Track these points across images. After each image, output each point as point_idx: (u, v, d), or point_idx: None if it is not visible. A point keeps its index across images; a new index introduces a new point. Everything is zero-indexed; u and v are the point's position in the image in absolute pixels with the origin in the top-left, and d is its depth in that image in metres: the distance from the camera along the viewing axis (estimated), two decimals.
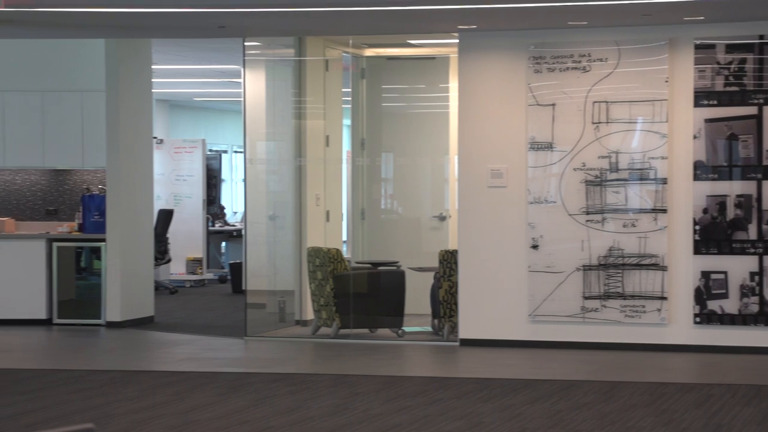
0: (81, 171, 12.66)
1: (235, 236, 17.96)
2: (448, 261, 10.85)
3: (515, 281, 10.49)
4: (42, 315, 12.05)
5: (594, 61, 10.29)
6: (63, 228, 12.39)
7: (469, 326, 10.61)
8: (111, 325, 11.96)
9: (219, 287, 16.86)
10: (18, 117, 12.34)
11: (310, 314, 11.74)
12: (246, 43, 11.36)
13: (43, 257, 12.08)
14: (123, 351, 10.75)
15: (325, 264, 11.14)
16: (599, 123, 10.31)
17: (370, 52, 12.64)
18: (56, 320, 12.06)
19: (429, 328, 11.31)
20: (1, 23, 10.22)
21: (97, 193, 12.34)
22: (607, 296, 10.30)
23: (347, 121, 12.91)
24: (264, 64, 11.94)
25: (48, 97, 12.31)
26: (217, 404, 7.85)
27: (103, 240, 12.02)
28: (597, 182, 10.32)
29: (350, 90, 12.57)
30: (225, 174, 20.61)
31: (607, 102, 10.28)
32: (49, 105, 12.31)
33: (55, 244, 12.14)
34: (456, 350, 10.46)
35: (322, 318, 11.25)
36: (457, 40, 10.67)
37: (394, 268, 11.51)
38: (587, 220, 10.35)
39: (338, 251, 11.34)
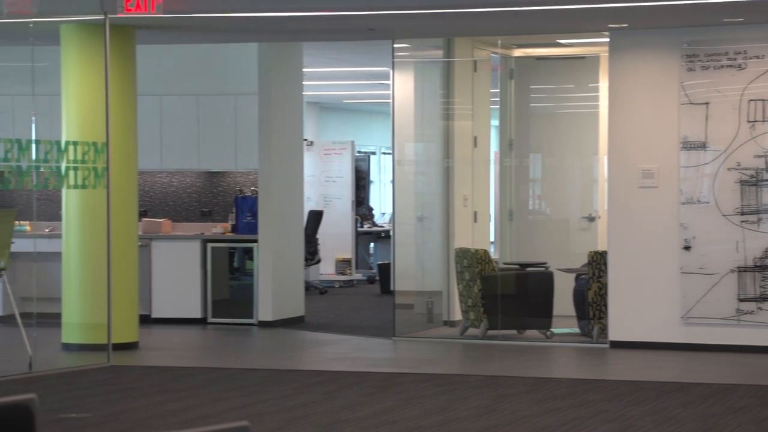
0: (234, 173, 12.91)
1: (383, 237, 18.08)
2: (598, 262, 10.72)
3: (667, 283, 10.30)
4: (197, 314, 12.32)
5: (750, 58, 10.04)
6: (217, 229, 12.66)
7: (619, 328, 10.47)
8: (263, 324, 12.17)
9: (367, 288, 17.00)
10: (174, 121, 12.66)
11: (457, 315, 11.75)
12: (395, 45, 11.43)
13: (198, 258, 12.35)
14: (275, 350, 10.93)
15: (472, 265, 11.13)
16: (755, 121, 10.06)
17: (518, 52, 12.58)
18: (210, 319, 12.32)
19: (577, 330, 11.19)
20: (159, 29, 10.51)
21: (250, 194, 12.56)
22: (763, 298, 10.04)
23: (495, 122, 12.87)
24: (413, 65, 12.00)
25: (203, 101, 12.60)
26: (366, 404, 7.91)
27: (256, 241, 12.24)
28: (752, 182, 10.06)
29: (498, 90, 12.54)
30: (373, 175, 20.77)
31: (763, 100, 10.02)
32: (204, 108, 12.60)
33: (210, 245, 12.40)
34: (606, 352, 10.34)
35: (470, 319, 11.24)
36: (608, 39, 10.54)
37: (542, 269, 11.44)
38: (742, 221, 10.10)
39: (486, 252, 11.32)
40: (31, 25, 9.57)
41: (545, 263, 11.56)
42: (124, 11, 9.55)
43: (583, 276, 11.09)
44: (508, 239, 12.63)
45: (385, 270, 15.59)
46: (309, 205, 16.34)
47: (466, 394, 8.23)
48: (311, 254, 15.55)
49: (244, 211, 12.42)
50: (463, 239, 12.03)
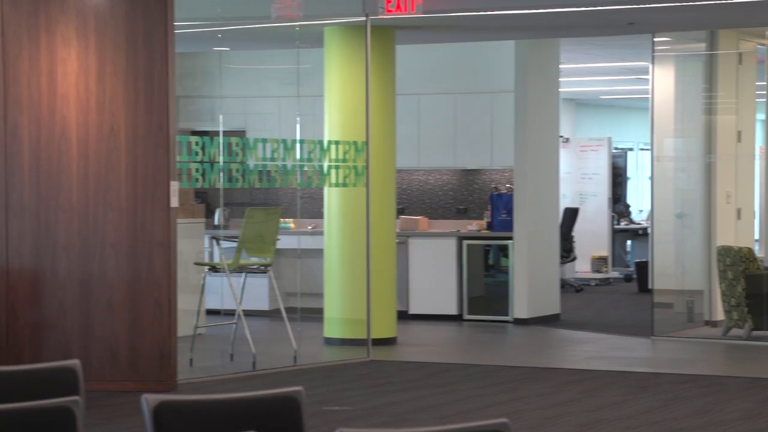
0: (489, 170, 12.95)
1: (640, 235, 17.75)
2: None
3: None
4: (453, 311, 12.42)
5: None
6: (472, 226, 12.73)
7: None
8: (518, 321, 12.15)
9: (624, 286, 16.72)
10: (432, 119, 12.81)
11: (720, 315, 11.40)
12: (655, 39, 11.19)
13: (454, 255, 12.45)
14: (530, 348, 10.91)
15: (736, 263, 10.78)
16: None
17: None
18: (466, 316, 12.40)
19: None
20: (418, 29, 10.66)
21: (505, 192, 12.58)
22: None
23: (761, 116, 12.42)
24: (673, 59, 11.72)
25: (460, 99, 12.70)
26: (625, 404, 7.79)
27: (511, 238, 12.24)
28: None
29: (765, 83, 12.09)
30: (630, 172, 20.41)
31: None
32: (460, 107, 12.70)
33: (465, 242, 12.49)
34: None
35: (734, 319, 10.89)
36: None
37: None
38: None
39: (750, 250, 10.94)
40: (297, 28, 9.90)
41: None
42: (385, 12, 9.75)
43: None
44: None
45: (642, 268, 15.29)
46: (564, 203, 16.21)
47: (730, 396, 7.98)
48: (567, 252, 15.43)
49: (500, 208, 12.45)
50: (726, 237, 11.66)
